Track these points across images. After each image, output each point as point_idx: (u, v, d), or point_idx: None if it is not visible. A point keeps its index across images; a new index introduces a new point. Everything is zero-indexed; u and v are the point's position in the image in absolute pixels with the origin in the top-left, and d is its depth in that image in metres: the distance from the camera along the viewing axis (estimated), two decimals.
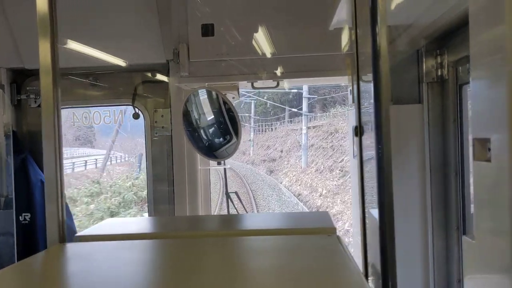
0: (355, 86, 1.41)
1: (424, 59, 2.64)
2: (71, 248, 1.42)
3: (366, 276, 1.37)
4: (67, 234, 1.59)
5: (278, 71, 3.14)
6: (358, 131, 1.30)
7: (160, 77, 3.48)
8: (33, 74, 3.50)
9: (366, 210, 1.48)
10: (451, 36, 2.47)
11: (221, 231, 1.64)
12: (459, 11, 2.09)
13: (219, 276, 1.11)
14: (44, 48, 1.55)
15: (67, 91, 3.51)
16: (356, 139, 1.41)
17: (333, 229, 1.42)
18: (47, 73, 1.55)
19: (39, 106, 3.53)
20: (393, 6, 2.93)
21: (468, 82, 2.37)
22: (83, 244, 1.44)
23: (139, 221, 1.97)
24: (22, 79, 3.53)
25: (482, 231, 1.41)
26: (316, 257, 1.17)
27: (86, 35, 3.26)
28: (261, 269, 1.12)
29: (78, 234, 1.52)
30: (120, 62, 3.39)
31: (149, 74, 3.52)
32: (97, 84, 3.58)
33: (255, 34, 3.11)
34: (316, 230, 1.43)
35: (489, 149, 1.32)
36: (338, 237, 1.29)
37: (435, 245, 2.60)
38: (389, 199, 1.24)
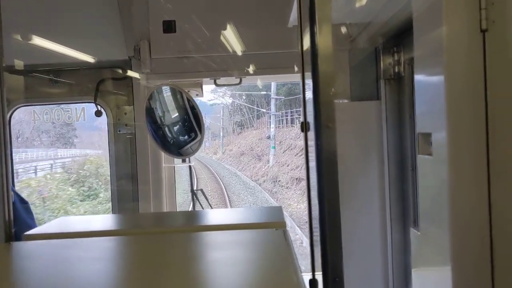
0: (301, 84, 1.43)
1: (381, 57, 2.70)
2: (17, 247, 1.40)
3: (313, 270, 1.40)
4: None
5: (241, 68, 3.14)
6: (304, 127, 1.33)
7: (122, 74, 3.44)
8: None
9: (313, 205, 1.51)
10: (407, 33, 2.53)
11: (176, 227, 1.64)
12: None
13: (162, 271, 1.12)
14: None
15: (27, 87, 3.44)
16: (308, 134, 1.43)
17: (283, 224, 1.44)
18: None
19: None
20: (357, 4, 2.98)
21: None
22: (30, 243, 1.42)
23: (92, 219, 1.96)
24: None
25: (426, 223, 1.46)
26: (258, 251, 1.20)
27: (46, 31, 3.20)
28: (201, 263, 1.13)
29: (27, 233, 1.50)
30: (82, 58, 3.34)
31: (112, 71, 3.47)
32: (59, 81, 3.51)
33: (217, 31, 3.11)
34: (266, 225, 1.45)
35: (431, 143, 1.37)
36: (284, 231, 1.32)
37: (393, 238, 2.66)
38: (333, 195, 1.26)
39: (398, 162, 2.65)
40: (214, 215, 1.92)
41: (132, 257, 1.33)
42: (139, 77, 3.22)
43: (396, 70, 2.64)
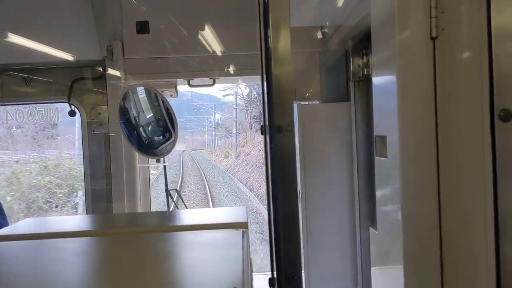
0: (261, 87, 1.46)
1: (351, 59, 2.75)
2: None
3: (272, 269, 1.44)
4: None
5: (214, 69, 3.17)
6: (264, 130, 1.36)
7: (96, 73, 3.44)
8: None
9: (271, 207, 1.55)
10: None
11: (140, 227, 1.67)
12: None
13: (118, 271, 1.15)
14: None
15: (1, 87, 3.42)
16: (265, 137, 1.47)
17: (245, 224, 1.47)
18: None
19: None
20: (328, 6, 3.02)
21: None
22: None
23: (61, 220, 1.97)
24: None
25: (382, 222, 1.51)
26: (214, 251, 1.23)
27: (20, 29, 3.18)
28: (153, 264, 1.16)
29: None
30: (56, 56, 3.33)
31: (86, 70, 3.47)
32: (33, 80, 3.49)
33: (191, 32, 3.13)
34: (228, 225, 1.48)
35: (386, 146, 1.42)
36: (243, 231, 1.35)
37: (362, 237, 2.72)
38: (290, 196, 1.30)
39: (366, 162, 2.71)
40: (182, 216, 1.95)
41: (97, 258, 1.35)
42: (112, 77, 3.22)
43: (365, 72, 2.69)
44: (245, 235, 1.30)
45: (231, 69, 3.15)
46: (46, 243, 1.47)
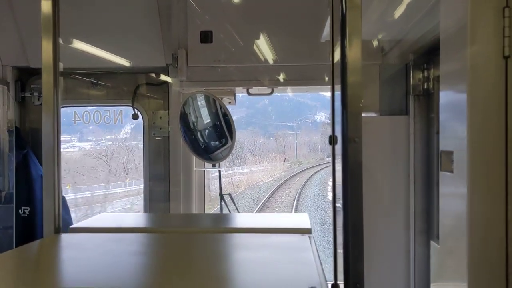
0: (331, 97, 1.52)
1: (412, 73, 2.76)
2: (65, 238, 1.53)
3: (336, 276, 1.48)
4: (64, 227, 1.70)
5: (273, 79, 3.25)
6: (332, 140, 1.41)
7: (159, 79, 3.59)
8: (38, 72, 3.62)
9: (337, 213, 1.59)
10: (437, 51, 2.58)
11: (204, 228, 1.75)
12: None
13: (192, 267, 1.22)
14: (47, 48, 1.66)
15: (68, 90, 3.62)
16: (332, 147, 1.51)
17: (308, 230, 1.52)
18: (49, 72, 1.66)
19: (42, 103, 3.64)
20: (388, 20, 3.04)
21: None
22: (76, 235, 1.56)
23: (130, 216, 2.09)
24: (27, 77, 3.64)
25: (445, 237, 1.52)
26: (284, 252, 1.29)
27: (87, 35, 3.37)
28: (231, 262, 1.23)
29: (73, 226, 1.64)
30: (121, 62, 3.51)
31: (150, 76, 3.63)
32: (98, 84, 3.69)
33: (251, 42, 3.23)
34: (292, 230, 1.54)
35: (453, 161, 1.44)
36: (309, 237, 1.40)
37: (417, 252, 2.70)
38: (357, 206, 1.34)
39: (424, 177, 2.70)
40: (242, 219, 2.02)
41: (166, 253, 1.44)
42: (175, 83, 3.36)
43: (426, 86, 2.69)
44: (312, 240, 1.36)
45: (290, 78, 3.22)
46: (117, 237, 1.58)
